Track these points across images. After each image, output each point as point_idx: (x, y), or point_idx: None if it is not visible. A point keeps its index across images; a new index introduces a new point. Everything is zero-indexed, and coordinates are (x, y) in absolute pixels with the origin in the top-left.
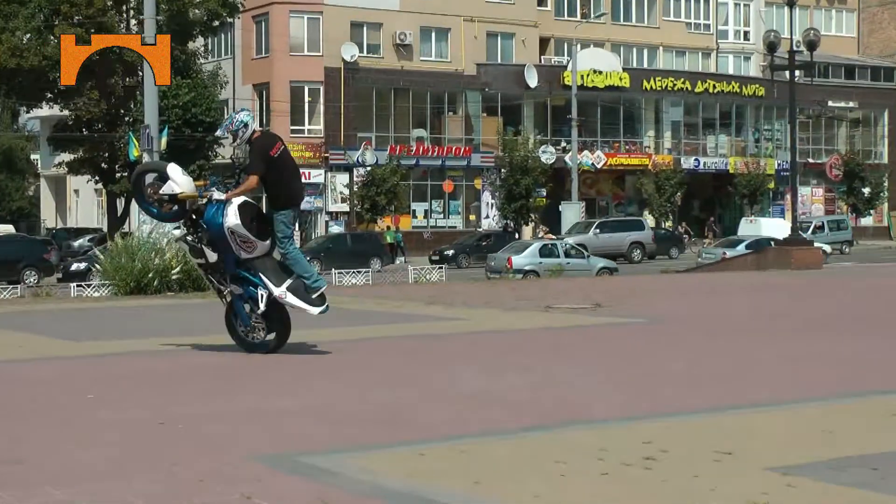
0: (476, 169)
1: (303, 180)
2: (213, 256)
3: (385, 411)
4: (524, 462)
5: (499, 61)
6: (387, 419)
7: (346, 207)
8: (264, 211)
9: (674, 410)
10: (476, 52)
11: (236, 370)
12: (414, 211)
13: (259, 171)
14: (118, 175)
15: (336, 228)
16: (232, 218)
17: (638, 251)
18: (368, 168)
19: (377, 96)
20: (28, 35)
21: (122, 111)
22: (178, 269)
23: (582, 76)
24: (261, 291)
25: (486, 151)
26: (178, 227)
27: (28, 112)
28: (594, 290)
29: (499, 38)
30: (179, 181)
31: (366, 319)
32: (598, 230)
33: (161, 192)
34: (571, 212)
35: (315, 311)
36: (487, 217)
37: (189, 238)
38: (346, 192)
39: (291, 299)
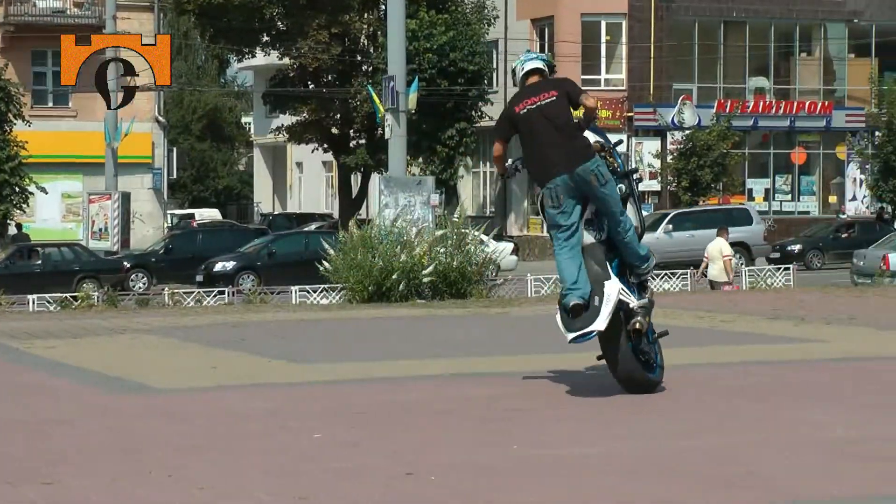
0: (839, 132)
1: (564, 146)
2: None
3: (713, 462)
4: None
5: None
6: (716, 473)
7: (656, 185)
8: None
9: None
10: None
11: (507, 405)
12: (750, 190)
13: (497, 135)
14: (353, 142)
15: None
16: None
17: (739, 256)
18: (688, 132)
19: (700, 33)
20: None
21: (360, 58)
22: (430, 268)
23: None
24: None
25: (853, 108)
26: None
27: (238, 62)
28: None
29: None
30: None
31: (682, 340)
32: (670, 226)
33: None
34: None
35: (569, 336)
36: (854, 199)
37: None
38: (657, 164)
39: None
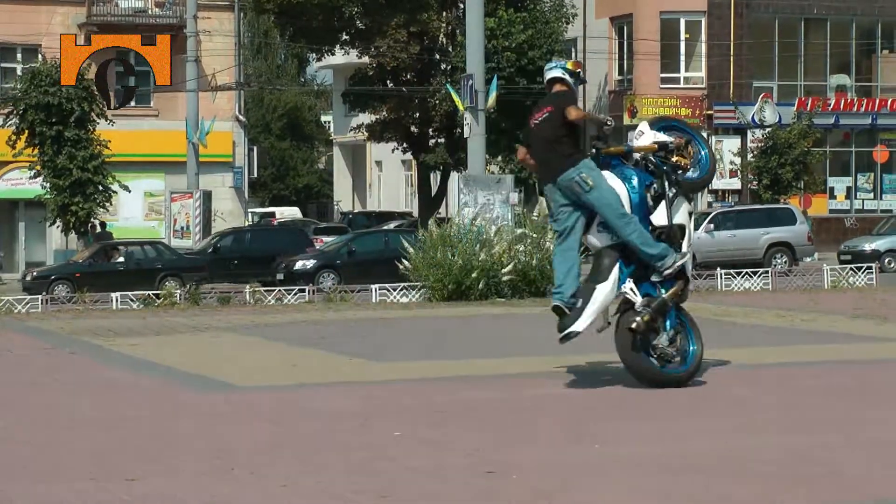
0: None
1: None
2: None
3: (796, 462)
4: None
5: None
6: (799, 472)
7: (736, 184)
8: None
9: None
10: None
11: (587, 405)
12: (832, 189)
13: (522, 141)
14: (433, 141)
15: None
16: None
17: (781, 256)
18: (768, 130)
19: (780, 31)
20: None
21: (439, 57)
22: (509, 267)
23: None
24: None
25: None
26: None
27: (318, 60)
28: None
29: None
30: None
31: (762, 338)
32: (711, 225)
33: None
34: None
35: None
36: None
37: None
38: (737, 162)
39: None
